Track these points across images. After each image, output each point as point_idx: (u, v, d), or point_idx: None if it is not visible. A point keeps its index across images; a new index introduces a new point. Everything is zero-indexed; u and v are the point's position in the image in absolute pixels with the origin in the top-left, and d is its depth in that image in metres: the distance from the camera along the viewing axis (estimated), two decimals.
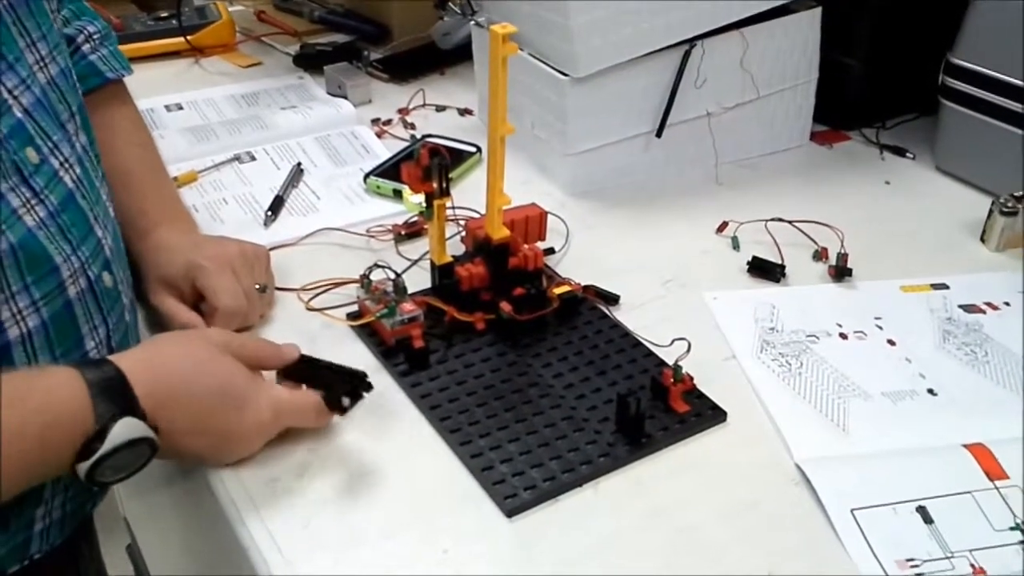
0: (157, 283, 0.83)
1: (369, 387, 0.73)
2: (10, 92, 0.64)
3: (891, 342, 0.86)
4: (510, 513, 0.68)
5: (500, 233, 0.86)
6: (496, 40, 0.77)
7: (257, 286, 0.85)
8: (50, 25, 0.71)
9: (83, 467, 0.60)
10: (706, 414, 0.77)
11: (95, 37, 0.89)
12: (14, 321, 0.63)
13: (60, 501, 0.71)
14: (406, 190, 1.02)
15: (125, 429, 0.60)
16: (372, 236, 0.99)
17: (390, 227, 0.99)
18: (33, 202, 0.65)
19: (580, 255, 0.97)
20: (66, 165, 0.69)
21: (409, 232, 0.99)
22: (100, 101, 0.86)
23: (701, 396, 0.78)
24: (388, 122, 1.25)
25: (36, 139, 0.66)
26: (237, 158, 1.15)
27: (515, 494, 0.69)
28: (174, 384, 0.66)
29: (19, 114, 0.64)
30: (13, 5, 0.66)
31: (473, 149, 1.14)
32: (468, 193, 1.01)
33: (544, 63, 1.05)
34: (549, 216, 0.96)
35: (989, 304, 0.91)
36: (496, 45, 0.77)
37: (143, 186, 0.87)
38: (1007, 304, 0.91)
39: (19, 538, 0.69)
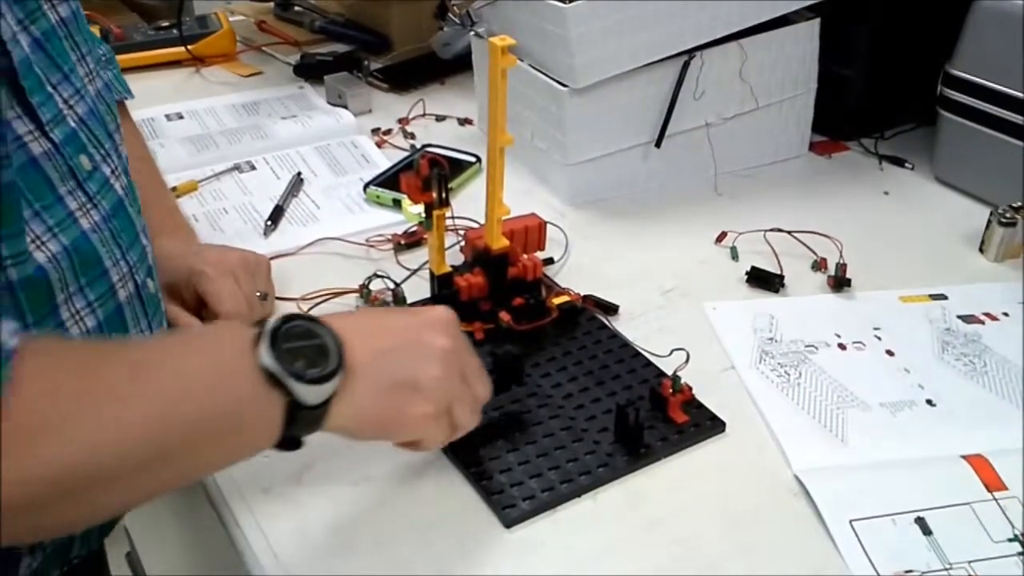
0: (162, 288, 0.83)
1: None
2: (65, 102, 0.65)
3: (890, 352, 0.86)
4: (509, 524, 0.68)
5: (499, 243, 0.86)
6: (495, 52, 0.77)
7: (258, 293, 0.85)
8: (95, 41, 0.73)
9: (263, 351, 0.55)
10: (705, 425, 0.77)
11: (100, 60, 0.91)
12: (74, 321, 0.64)
13: None
14: (406, 200, 1.03)
15: (283, 317, 0.58)
16: (372, 246, 0.99)
17: (390, 237, 0.99)
18: (88, 206, 0.65)
19: (579, 265, 0.97)
20: (116, 173, 0.70)
21: (409, 242, 0.99)
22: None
23: (700, 407, 0.78)
24: (388, 132, 1.25)
25: (88, 147, 0.67)
26: (237, 167, 1.15)
27: (514, 504, 0.69)
28: (369, 321, 0.66)
29: (73, 123, 0.65)
30: (65, 20, 0.67)
31: (473, 159, 1.14)
32: (467, 203, 1.01)
33: (544, 74, 1.05)
34: (548, 226, 0.96)
35: (988, 314, 0.91)
36: (495, 57, 0.78)
37: (143, 198, 0.88)
38: (1006, 314, 0.91)
39: (64, 538, 0.69)
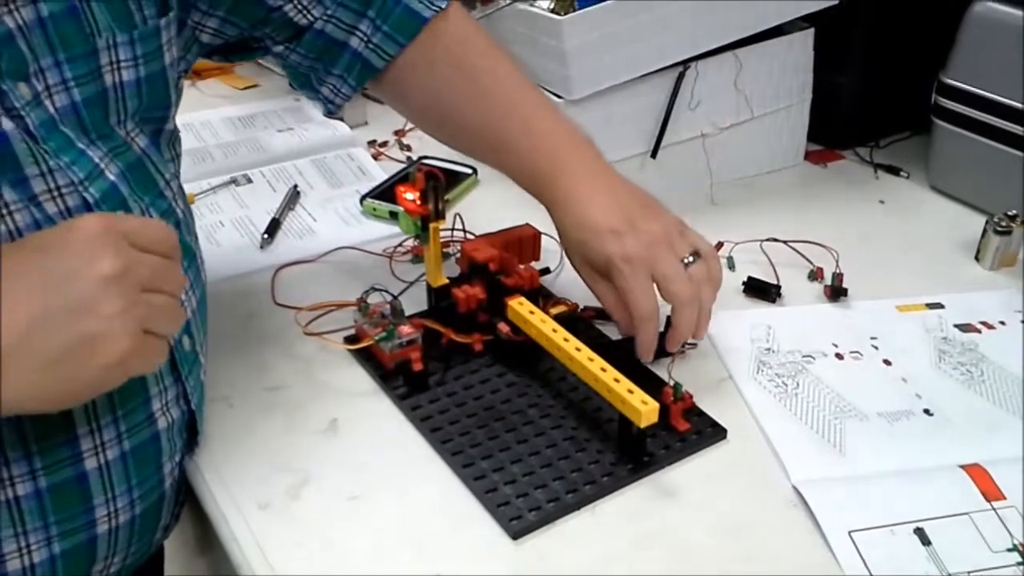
0: (582, 263, 0.84)
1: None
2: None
3: (887, 362, 0.86)
4: (516, 535, 0.68)
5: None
6: None
7: (688, 260, 0.80)
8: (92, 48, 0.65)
9: None
10: (706, 432, 0.77)
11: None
12: None
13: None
14: (402, 212, 1.03)
15: None
16: (389, 256, 0.99)
17: (409, 248, 0.99)
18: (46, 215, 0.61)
19: (576, 276, 0.97)
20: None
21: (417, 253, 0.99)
22: (431, 43, 0.84)
23: (701, 414, 0.78)
24: (384, 144, 1.25)
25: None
26: (234, 181, 1.15)
27: (520, 516, 0.69)
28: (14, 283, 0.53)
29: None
30: (27, 26, 0.61)
31: (469, 171, 1.14)
32: (464, 214, 1.01)
33: (539, 86, 1.05)
34: (544, 236, 0.96)
35: (984, 323, 0.91)
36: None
37: (530, 118, 0.85)
38: (1002, 323, 0.91)
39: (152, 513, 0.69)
